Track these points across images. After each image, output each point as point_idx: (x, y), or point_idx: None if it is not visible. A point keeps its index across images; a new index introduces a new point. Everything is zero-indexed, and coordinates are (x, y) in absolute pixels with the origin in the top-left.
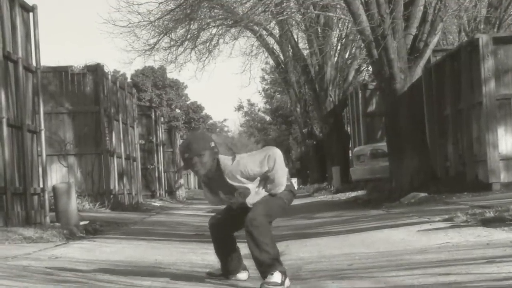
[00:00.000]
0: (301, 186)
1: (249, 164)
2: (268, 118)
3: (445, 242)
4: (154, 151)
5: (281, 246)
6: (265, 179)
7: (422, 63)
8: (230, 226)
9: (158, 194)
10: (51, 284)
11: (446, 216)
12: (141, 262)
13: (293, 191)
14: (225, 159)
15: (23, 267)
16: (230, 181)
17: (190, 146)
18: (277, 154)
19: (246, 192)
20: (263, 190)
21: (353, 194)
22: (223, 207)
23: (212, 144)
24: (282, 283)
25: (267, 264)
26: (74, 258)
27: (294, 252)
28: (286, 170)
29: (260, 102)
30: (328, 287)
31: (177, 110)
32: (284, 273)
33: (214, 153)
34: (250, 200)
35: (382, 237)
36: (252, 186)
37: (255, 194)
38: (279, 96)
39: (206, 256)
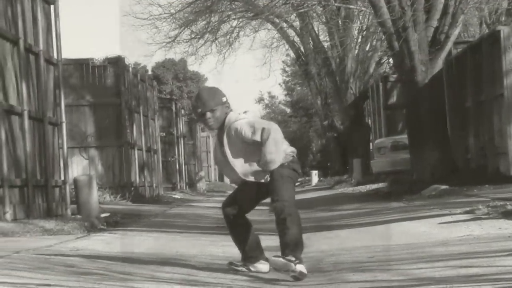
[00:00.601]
0: (321, 178)
1: (244, 126)
2: (288, 110)
3: (466, 235)
4: (175, 144)
5: None
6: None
7: (443, 55)
8: (241, 206)
9: (178, 187)
10: (73, 276)
11: (467, 209)
12: (162, 254)
13: (297, 170)
14: (232, 115)
15: (45, 259)
16: (224, 144)
17: (203, 100)
18: (273, 128)
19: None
20: (255, 164)
21: (374, 186)
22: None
23: (224, 99)
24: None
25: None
26: (95, 250)
27: (315, 244)
28: (281, 149)
29: (280, 94)
30: (349, 279)
31: None
32: (299, 261)
33: (226, 107)
34: (241, 174)
35: (403, 229)
36: (237, 163)
37: (248, 166)
38: (299, 88)
39: (227, 249)
